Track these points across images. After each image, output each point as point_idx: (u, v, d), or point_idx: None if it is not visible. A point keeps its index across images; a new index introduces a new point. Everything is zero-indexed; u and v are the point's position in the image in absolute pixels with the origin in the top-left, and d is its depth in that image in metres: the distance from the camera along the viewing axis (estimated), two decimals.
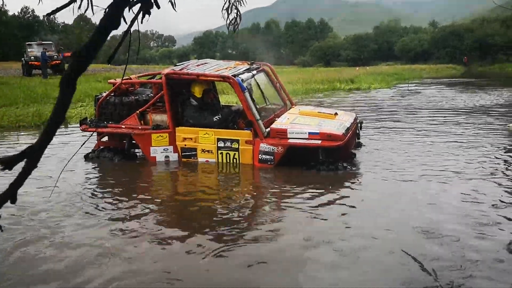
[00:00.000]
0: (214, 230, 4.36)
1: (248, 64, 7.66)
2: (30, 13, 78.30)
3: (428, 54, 71.95)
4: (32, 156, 1.49)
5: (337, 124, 6.86)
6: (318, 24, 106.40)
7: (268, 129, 6.71)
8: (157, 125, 7.04)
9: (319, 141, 6.44)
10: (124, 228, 4.49)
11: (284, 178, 6.37)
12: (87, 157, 7.35)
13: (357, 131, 7.59)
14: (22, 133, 10.02)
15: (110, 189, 5.93)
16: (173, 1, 1.81)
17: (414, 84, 25.52)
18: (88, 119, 7.45)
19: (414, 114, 12.53)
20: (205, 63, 7.68)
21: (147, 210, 4.98)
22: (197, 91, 7.08)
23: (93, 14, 1.93)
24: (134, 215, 4.85)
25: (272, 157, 6.60)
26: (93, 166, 7.04)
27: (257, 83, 7.55)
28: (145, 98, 7.29)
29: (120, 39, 1.68)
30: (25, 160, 1.49)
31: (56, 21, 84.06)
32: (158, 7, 1.60)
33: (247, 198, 5.48)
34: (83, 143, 4.34)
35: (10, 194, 1.51)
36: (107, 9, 1.47)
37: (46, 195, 5.33)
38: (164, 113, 7.09)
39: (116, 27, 1.47)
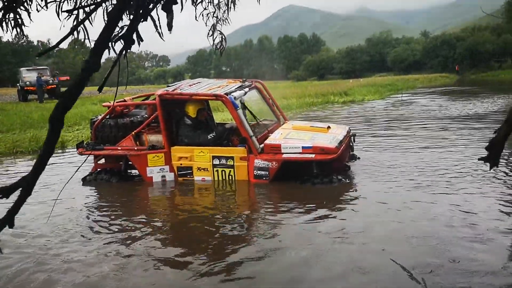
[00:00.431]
0: (211, 250, 4.36)
1: (240, 81, 7.78)
2: (24, 38, 78.88)
3: (421, 64, 72.64)
4: (26, 186, 1.59)
5: (330, 137, 6.96)
6: (311, 39, 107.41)
7: (262, 145, 6.80)
8: (152, 145, 7.11)
9: (313, 155, 6.53)
10: (121, 250, 4.51)
11: (279, 194, 6.43)
12: (84, 180, 7.39)
13: (351, 144, 7.68)
14: (20, 159, 10.06)
15: (107, 212, 5.93)
16: (170, 23, 1.90)
17: (408, 95, 25.70)
18: (85, 142, 7.52)
19: (407, 124, 12.64)
20: (198, 83, 7.79)
21: (144, 232, 4.97)
22: (191, 111, 7.17)
23: (90, 43, 2.04)
24: (131, 237, 4.87)
25: (267, 173, 6.67)
26: (91, 189, 7.08)
27: (250, 100, 7.66)
28: (140, 119, 7.37)
29: (110, 68, 1.77)
30: (19, 189, 1.61)
31: (50, 46, 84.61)
32: (140, 42, 1.70)
33: (244, 216, 5.50)
34: (79, 167, 4.41)
35: (8, 220, 1.61)
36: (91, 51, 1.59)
37: (44, 220, 5.37)
38: (159, 133, 7.16)
39: (97, 69, 1.58)
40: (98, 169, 7.50)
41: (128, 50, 1.71)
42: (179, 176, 7.09)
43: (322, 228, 4.83)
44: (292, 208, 5.55)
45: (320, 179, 6.54)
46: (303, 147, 6.58)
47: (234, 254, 4.21)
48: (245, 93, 7.35)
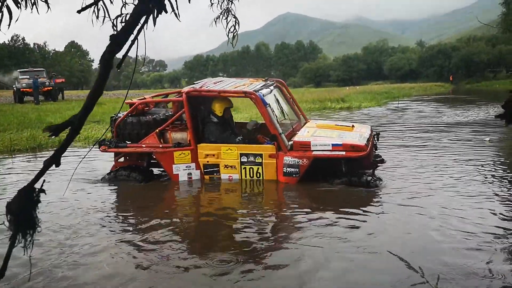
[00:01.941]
0: (231, 252, 4.20)
1: (263, 80, 7.77)
2: (21, 41, 78.81)
3: (416, 73, 73.25)
4: (76, 123, 1.63)
5: (357, 135, 6.92)
6: (308, 46, 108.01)
7: (291, 142, 6.73)
8: (178, 143, 7.09)
9: (343, 152, 6.47)
10: (136, 245, 4.43)
11: (306, 195, 6.29)
12: (104, 179, 7.26)
13: (374, 143, 7.56)
14: (18, 156, 10.04)
15: (125, 212, 5.83)
16: (176, 12, 1.92)
17: (404, 102, 25.88)
18: (106, 140, 7.42)
19: (403, 130, 12.71)
20: (221, 81, 7.76)
21: (163, 233, 4.80)
22: (218, 109, 7.09)
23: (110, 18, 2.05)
24: (149, 238, 4.72)
25: (297, 170, 6.58)
26: (110, 187, 6.98)
27: (276, 98, 7.59)
28: (163, 117, 7.34)
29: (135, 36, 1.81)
30: (69, 128, 1.65)
31: (47, 49, 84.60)
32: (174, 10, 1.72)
33: (269, 220, 5.31)
34: (78, 164, 4.39)
35: (55, 159, 1.65)
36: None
37: (64, 216, 5.38)
38: (183, 131, 7.11)
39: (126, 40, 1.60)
40: (119, 167, 7.31)
41: (130, 55, 1.74)
42: (205, 174, 7.00)
43: (347, 236, 4.62)
44: (318, 215, 5.25)
45: (358, 178, 6.39)
46: (333, 145, 6.52)
47: (250, 258, 4.06)
48: (271, 91, 7.33)
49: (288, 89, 8.29)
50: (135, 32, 1.88)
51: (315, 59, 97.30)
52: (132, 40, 1.90)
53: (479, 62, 64.33)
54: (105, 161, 8.40)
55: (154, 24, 1.94)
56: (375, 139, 7.45)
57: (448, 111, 18.99)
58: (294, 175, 6.59)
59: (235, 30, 2.84)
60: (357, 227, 4.81)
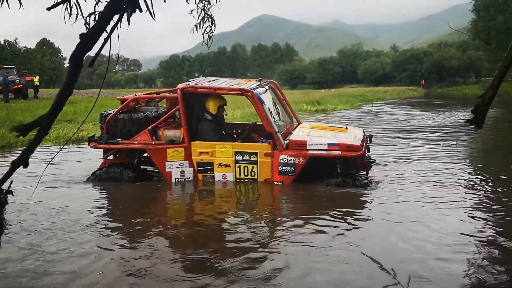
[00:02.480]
0: (224, 258, 4.08)
1: (256, 81, 7.69)
2: None
3: (390, 77, 74.51)
4: (44, 124, 1.58)
5: (351, 136, 6.97)
6: (284, 48, 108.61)
7: (287, 141, 6.70)
8: (171, 140, 6.99)
9: (339, 152, 6.50)
10: (127, 245, 4.32)
11: (300, 197, 6.25)
12: (93, 176, 7.06)
13: (367, 144, 7.56)
14: None
15: (114, 211, 5.76)
16: (151, 11, 1.90)
17: (378, 106, 26.28)
18: (96, 137, 7.26)
19: (375, 132, 12.88)
20: (215, 80, 7.67)
21: (150, 237, 4.67)
22: (212, 107, 7.04)
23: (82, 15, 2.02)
24: (132, 241, 4.63)
25: (293, 168, 6.55)
26: (99, 185, 6.83)
27: (271, 98, 7.54)
28: (155, 115, 7.22)
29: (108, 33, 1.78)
30: (37, 128, 1.59)
31: (17, 46, 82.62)
32: (149, 10, 1.70)
33: (256, 225, 5.14)
34: (49, 162, 4.29)
35: (23, 160, 1.59)
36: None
37: (36, 219, 5.19)
38: (177, 129, 7.01)
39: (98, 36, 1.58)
40: (108, 164, 7.11)
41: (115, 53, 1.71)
42: (198, 172, 6.89)
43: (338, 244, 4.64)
44: (314, 217, 5.20)
45: (351, 179, 6.43)
46: (328, 144, 6.53)
47: (237, 260, 4.02)
48: (266, 90, 7.30)
49: (281, 90, 8.27)
50: (108, 30, 1.85)
51: (291, 61, 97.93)
52: (105, 39, 1.87)
53: (450, 67, 65.91)
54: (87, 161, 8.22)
55: (129, 23, 1.92)
56: (368, 141, 7.50)
57: (420, 115, 19.38)
58: (289, 174, 6.57)
59: (211, 31, 2.83)
60: (337, 228, 4.85)
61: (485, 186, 6.54)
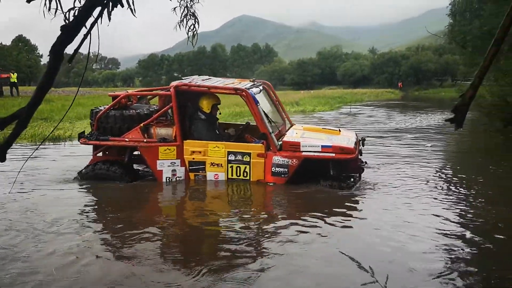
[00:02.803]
0: (215, 262, 4.00)
1: (250, 81, 7.65)
2: None
3: (368, 79, 75.32)
4: (23, 117, 1.53)
5: (345, 139, 6.97)
6: (264, 49, 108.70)
7: (281, 142, 6.67)
8: (163, 138, 6.87)
9: (333, 154, 6.45)
10: (113, 246, 4.25)
11: (287, 201, 6.16)
12: (81, 174, 6.91)
13: (360, 147, 7.51)
14: None
15: (93, 211, 5.61)
16: (132, 7, 1.87)
17: (357, 107, 26.56)
18: (86, 133, 7.12)
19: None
20: (209, 79, 7.61)
21: (136, 236, 4.60)
22: (206, 106, 6.96)
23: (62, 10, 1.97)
24: (129, 236, 4.56)
25: (286, 170, 6.52)
26: (88, 183, 6.69)
27: (265, 98, 7.49)
28: (147, 112, 7.10)
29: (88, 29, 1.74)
30: (16, 121, 1.55)
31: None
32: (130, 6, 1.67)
33: (246, 226, 5.04)
34: (27, 159, 4.20)
35: (0, 154, 1.55)
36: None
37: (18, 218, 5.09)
38: (169, 127, 6.93)
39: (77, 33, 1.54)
40: (100, 161, 6.96)
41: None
42: (190, 171, 6.81)
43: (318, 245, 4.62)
44: (305, 219, 5.16)
45: (341, 181, 6.46)
46: (322, 146, 6.50)
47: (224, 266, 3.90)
48: (260, 91, 7.25)
49: (275, 91, 8.22)
50: (88, 25, 1.81)
51: (270, 62, 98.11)
52: (84, 35, 1.84)
53: (426, 70, 67.07)
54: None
55: (109, 18, 1.88)
56: (361, 144, 7.49)
57: (397, 117, 19.65)
58: (282, 175, 6.54)
59: (194, 29, 2.81)
60: (316, 227, 4.87)
61: (463, 187, 6.66)
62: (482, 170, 8.03)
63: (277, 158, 6.55)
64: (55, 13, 2.45)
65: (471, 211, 5.54)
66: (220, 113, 7.47)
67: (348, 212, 5.53)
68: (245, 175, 6.68)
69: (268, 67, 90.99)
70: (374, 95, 44.33)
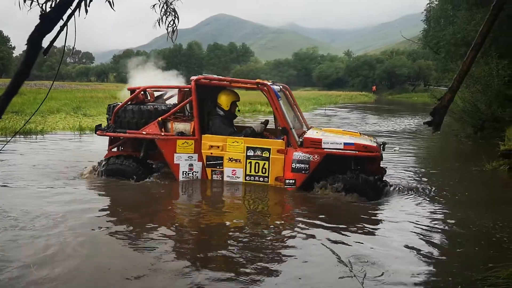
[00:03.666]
0: (228, 265, 3.89)
1: (270, 82, 7.44)
2: None
3: (343, 82, 76.26)
4: None
5: (367, 139, 6.85)
6: (240, 48, 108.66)
7: (301, 138, 6.47)
8: (181, 132, 6.73)
9: (356, 151, 6.29)
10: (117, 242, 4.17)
11: (312, 205, 5.93)
12: (96, 170, 6.81)
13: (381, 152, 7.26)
14: None
15: (113, 210, 5.46)
16: (111, 0, 1.83)
17: (331, 109, 26.84)
18: (103, 126, 6.94)
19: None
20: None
21: (121, 233, 4.48)
22: (225, 102, 6.80)
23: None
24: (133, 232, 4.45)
25: (307, 166, 6.33)
26: (101, 179, 6.58)
27: (285, 100, 7.22)
28: (164, 108, 6.96)
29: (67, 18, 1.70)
30: None
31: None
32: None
33: (252, 232, 4.79)
34: (5, 144, 4.07)
35: None
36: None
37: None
38: (186, 122, 6.80)
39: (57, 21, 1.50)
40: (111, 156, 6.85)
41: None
42: (207, 166, 6.62)
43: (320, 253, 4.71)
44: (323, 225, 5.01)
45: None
46: (345, 143, 6.34)
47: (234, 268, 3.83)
48: (280, 89, 7.09)
49: (292, 94, 8.06)
50: (65, 17, 1.77)
51: (247, 61, 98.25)
52: (61, 26, 1.79)
53: (400, 74, 68.37)
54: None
55: (86, 11, 1.84)
56: (381, 148, 7.15)
57: (371, 119, 19.95)
58: (303, 172, 6.32)
59: (174, 25, 2.77)
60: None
61: (429, 190, 6.78)
62: (450, 174, 8.20)
63: (298, 154, 6.37)
64: (30, 4, 2.39)
65: (451, 212, 5.67)
66: (239, 110, 7.34)
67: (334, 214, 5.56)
68: (263, 171, 6.50)
69: (244, 67, 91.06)
70: (348, 98, 44.91)
